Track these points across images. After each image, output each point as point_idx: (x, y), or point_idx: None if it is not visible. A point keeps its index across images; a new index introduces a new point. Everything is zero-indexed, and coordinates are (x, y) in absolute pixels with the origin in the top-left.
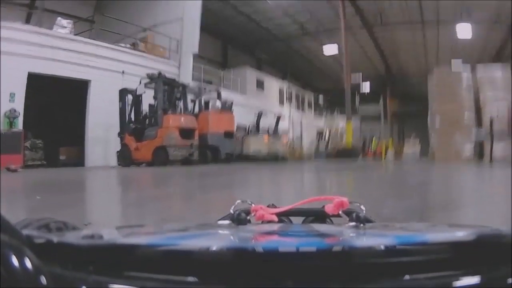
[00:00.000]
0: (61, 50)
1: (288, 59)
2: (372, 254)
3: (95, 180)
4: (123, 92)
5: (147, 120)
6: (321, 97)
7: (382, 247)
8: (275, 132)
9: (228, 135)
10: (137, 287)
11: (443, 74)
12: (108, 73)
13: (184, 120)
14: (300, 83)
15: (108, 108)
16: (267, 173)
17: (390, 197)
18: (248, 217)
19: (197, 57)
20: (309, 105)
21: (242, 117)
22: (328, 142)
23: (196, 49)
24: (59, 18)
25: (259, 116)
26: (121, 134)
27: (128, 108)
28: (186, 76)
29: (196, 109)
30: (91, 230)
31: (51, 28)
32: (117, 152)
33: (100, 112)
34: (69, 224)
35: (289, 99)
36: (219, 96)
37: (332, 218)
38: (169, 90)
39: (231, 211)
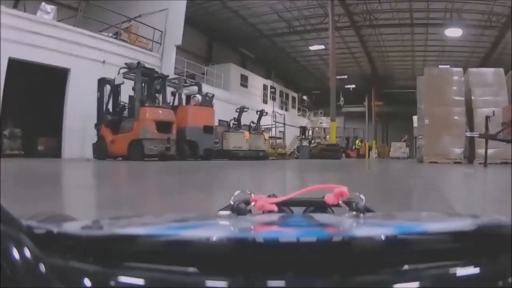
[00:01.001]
0: (43, 36)
1: (273, 57)
2: (372, 244)
3: (59, 174)
4: (101, 82)
5: (125, 111)
6: (305, 96)
7: (382, 237)
8: (256, 129)
9: (208, 130)
10: (137, 277)
11: (434, 74)
12: (89, 62)
13: (162, 113)
14: (284, 81)
15: (87, 98)
16: (247, 171)
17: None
18: (249, 207)
19: (182, 51)
20: (293, 104)
21: (224, 113)
22: (311, 141)
23: (179, 41)
24: (43, 3)
25: (241, 111)
26: (98, 126)
27: (106, 99)
28: (168, 68)
29: (176, 102)
30: (91, 221)
31: (35, 13)
32: (93, 144)
33: (79, 102)
34: (70, 216)
35: (273, 97)
36: (199, 90)
37: (332, 208)
38: (148, 81)
39: (231, 202)
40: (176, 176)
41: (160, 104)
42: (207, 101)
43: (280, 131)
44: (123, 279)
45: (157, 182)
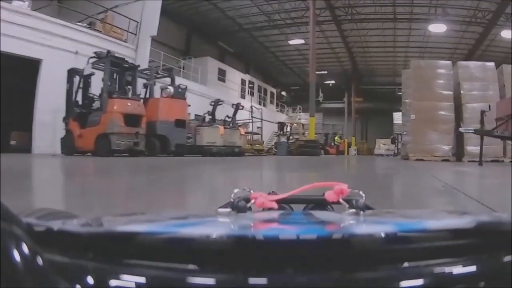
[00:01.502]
0: (16, 26)
1: (252, 51)
2: (372, 241)
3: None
4: (71, 73)
5: (94, 104)
6: (284, 92)
7: (382, 234)
8: (232, 123)
9: (180, 124)
10: (137, 274)
11: (421, 66)
12: (61, 52)
13: (131, 105)
14: (263, 76)
15: (60, 90)
16: (219, 170)
17: None
18: (249, 205)
19: (159, 44)
20: (271, 99)
21: (201, 108)
22: (289, 137)
23: (155, 32)
24: None
25: (215, 105)
26: (66, 119)
27: (76, 90)
28: (143, 59)
29: (151, 94)
30: (92, 218)
31: (9, 1)
32: (61, 138)
33: (50, 95)
34: (70, 213)
35: (251, 92)
36: (172, 81)
37: (332, 205)
38: (119, 71)
39: (231, 199)
40: (157, 173)
41: (130, 95)
42: (180, 93)
43: (258, 127)
44: (123, 276)
45: (108, 184)
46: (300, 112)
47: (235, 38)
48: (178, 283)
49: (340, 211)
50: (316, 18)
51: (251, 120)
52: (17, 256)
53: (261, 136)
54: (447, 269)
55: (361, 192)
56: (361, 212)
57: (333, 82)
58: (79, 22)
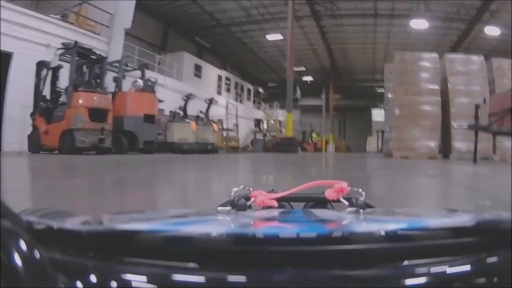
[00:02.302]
0: None
1: (229, 47)
2: (371, 239)
3: None
4: (40, 66)
5: (61, 98)
6: (261, 88)
7: (382, 233)
8: (205, 119)
9: (149, 119)
10: (138, 273)
11: (406, 59)
12: (33, 45)
13: (96, 99)
14: (240, 73)
15: (30, 85)
16: (190, 169)
17: None
18: (249, 203)
19: (136, 39)
20: (249, 96)
21: (175, 103)
22: (266, 134)
23: (129, 24)
24: None
25: (187, 99)
26: (33, 115)
27: (43, 84)
28: (116, 53)
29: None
30: (92, 216)
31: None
32: (28, 135)
33: (21, 90)
34: (70, 212)
35: (228, 88)
36: (142, 74)
37: (332, 203)
38: (87, 63)
39: (231, 197)
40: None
41: (96, 89)
42: (149, 86)
43: (234, 124)
44: (123, 274)
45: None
46: (277, 109)
47: (212, 33)
48: (179, 281)
49: (340, 209)
50: (295, 13)
51: (226, 117)
52: (17, 254)
53: (237, 133)
54: (446, 267)
55: (360, 190)
56: (361, 210)
57: (311, 79)
58: (59, 14)
